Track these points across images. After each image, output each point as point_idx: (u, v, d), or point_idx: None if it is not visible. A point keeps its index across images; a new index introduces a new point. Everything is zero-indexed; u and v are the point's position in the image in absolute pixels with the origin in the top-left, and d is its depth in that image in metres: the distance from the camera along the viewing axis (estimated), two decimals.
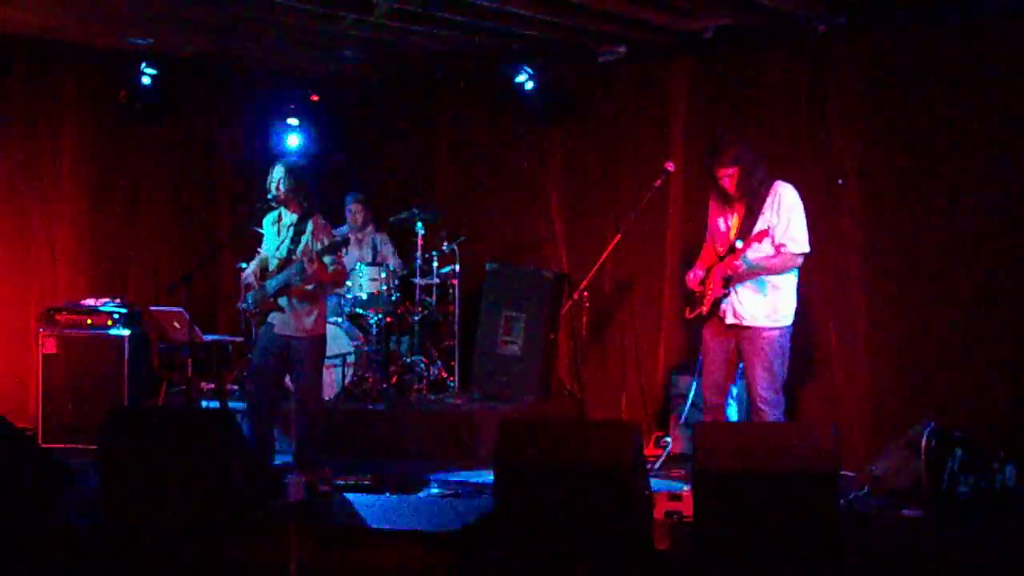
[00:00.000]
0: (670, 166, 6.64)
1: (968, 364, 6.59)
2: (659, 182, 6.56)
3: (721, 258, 6.02)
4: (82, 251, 8.37)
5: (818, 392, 7.11)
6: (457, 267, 8.33)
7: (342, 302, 8.19)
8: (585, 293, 6.91)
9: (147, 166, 8.72)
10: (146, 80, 8.13)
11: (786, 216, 5.91)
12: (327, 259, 6.16)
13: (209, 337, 7.65)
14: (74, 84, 8.30)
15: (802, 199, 6.00)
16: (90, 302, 7.65)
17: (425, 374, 8.22)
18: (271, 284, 6.27)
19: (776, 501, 4.70)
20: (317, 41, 7.98)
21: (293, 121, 8.86)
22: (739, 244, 5.87)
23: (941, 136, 6.72)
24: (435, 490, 6.40)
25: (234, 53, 8.36)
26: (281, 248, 6.34)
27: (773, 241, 5.91)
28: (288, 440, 6.76)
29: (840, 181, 7.02)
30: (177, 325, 7.41)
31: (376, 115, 9.44)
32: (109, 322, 7.47)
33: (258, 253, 6.55)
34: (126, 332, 7.45)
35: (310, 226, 6.30)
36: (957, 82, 6.66)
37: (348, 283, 7.95)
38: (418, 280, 8.31)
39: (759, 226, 5.85)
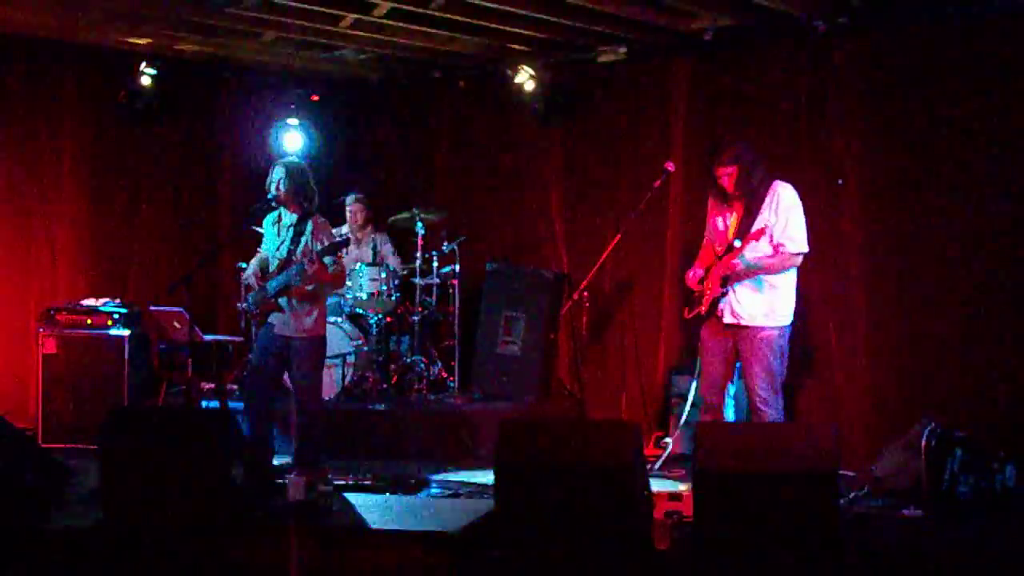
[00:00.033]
0: (670, 166, 6.63)
1: (968, 364, 6.59)
2: (659, 182, 6.56)
3: (719, 257, 6.02)
4: (82, 251, 8.37)
5: (818, 392, 7.11)
6: (457, 267, 8.32)
7: (342, 302, 8.19)
8: (585, 293, 6.91)
9: (147, 166, 8.72)
10: (146, 80, 8.13)
11: (784, 215, 5.91)
12: (327, 260, 6.16)
13: (209, 337, 7.65)
14: (74, 84, 8.30)
15: (802, 199, 6.00)
16: (90, 302, 7.65)
17: (425, 374, 8.22)
18: (272, 285, 6.27)
19: (776, 501, 4.70)
20: (317, 41, 7.99)
21: (293, 121, 8.85)
22: (737, 243, 5.88)
23: (941, 136, 6.72)
24: (435, 490, 6.40)
25: (234, 53, 8.36)
26: (281, 248, 6.34)
27: (771, 240, 5.91)
28: (288, 440, 6.75)
29: (840, 181, 7.02)
30: (177, 325, 7.41)
31: (376, 115, 9.44)
32: (109, 322, 7.47)
33: (258, 253, 6.55)
34: (126, 332, 7.45)
35: (310, 226, 6.30)
36: (957, 82, 6.66)
37: (348, 283, 7.95)
38: (418, 280, 8.31)
39: (757, 225, 5.86)
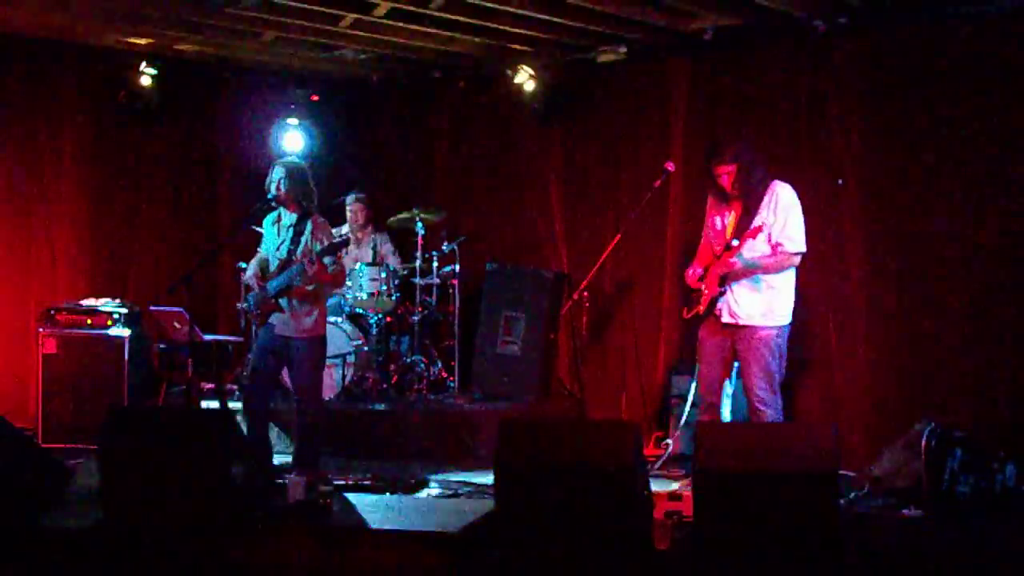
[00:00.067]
0: (670, 166, 6.64)
1: (968, 364, 6.59)
2: (659, 182, 6.56)
3: (718, 256, 6.02)
4: (82, 251, 8.37)
5: (818, 392, 7.11)
6: (457, 267, 8.32)
7: (342, 302, 8.19)
8: (585, 293, 6.91)
9: (147, 166, 8.72)
10: (146, 80, 8.13)
11: (783, 215, 5.91)
12: (327, 260, 6.15)
13: (209, 337, 7.64)
14: (74, 84, 8.30)
15: (802, 199, 6.00)
16: (90, 302, 7.65)
17: (425, 374, 8.22)
18: (272, 285, 6.27)
19: (776, 501, 4.70)
20: (317, 41, 7.99)
21: (293, 121, 8.85)
22: (735, 243, 5.88)
23: (941, 136, 6.72)
24: (435, 490, 6.40)
25: (234, 53, 8.36)
26: (281, 248, 6.34)
27: (769, 239, 5.91)
28: (288, 440, 6.76)
29: (840, 181, 7.02)
30: (177, 325, 7.40)
31: (376, 115, 9.43)
32: (109, 322, 7.47)
33: (258, 253, 6.55)
34: (126, 332, 7.46)
35: (309, 226, 6.29)
36: (957, 82, 6.66)
37: (348, 283, 7.95)
38: (418, 280, 8.31)
39: (754, 223, 5.86)
